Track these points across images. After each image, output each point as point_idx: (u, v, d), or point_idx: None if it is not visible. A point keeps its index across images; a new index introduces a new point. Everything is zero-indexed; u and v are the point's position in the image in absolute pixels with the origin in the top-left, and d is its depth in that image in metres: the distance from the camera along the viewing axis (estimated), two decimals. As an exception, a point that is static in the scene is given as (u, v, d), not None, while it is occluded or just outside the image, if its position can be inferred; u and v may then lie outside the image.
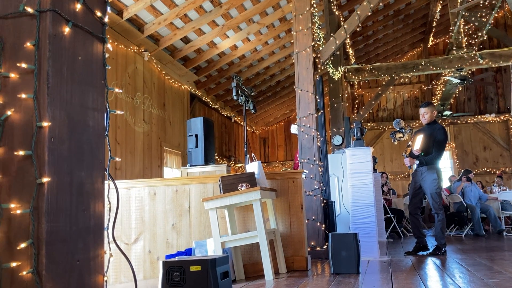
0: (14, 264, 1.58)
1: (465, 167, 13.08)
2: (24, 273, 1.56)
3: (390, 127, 14.00)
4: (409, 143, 5.73)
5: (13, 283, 1.58)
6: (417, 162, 5.41)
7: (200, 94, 10.42)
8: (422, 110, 5.53)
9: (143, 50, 7.93)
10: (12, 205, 1.61)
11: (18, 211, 1.60)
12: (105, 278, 1.89)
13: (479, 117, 13.69)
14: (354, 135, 5.71)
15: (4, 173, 1.64)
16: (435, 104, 12.60)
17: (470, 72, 11.92)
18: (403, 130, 5.66)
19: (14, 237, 1.60)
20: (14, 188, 1.63)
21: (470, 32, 10.61)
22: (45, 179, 1.61)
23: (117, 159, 2.16)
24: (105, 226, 1.94)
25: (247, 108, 5.77)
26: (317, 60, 6.22)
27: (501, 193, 9.03)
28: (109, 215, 2.06)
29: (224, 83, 10.90)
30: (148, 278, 4.26)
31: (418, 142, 5.40)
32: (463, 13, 9.55)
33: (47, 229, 1.59)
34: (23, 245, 1.57)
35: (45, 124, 1.63)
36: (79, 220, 1.74)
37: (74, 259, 1.70)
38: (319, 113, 6.16)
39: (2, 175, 1.64)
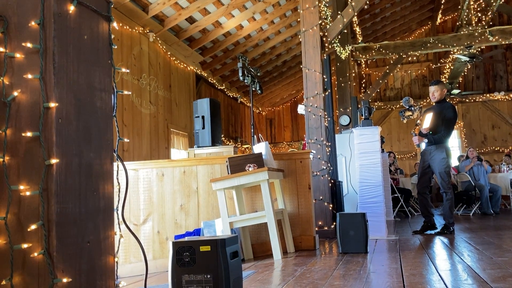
0: (25, 246, 1.58)
1: (473, 146, 13.02)
2: (35, 254, 1.57)
3: (398, 106, 13.89)
4: (418, 121, 5.67)
5: (25, 264, 1.58)
6: (426, 140, 5.37)
7: (205, 75, 10.35)
8: (432, 88, 5.46)
9: (148, 31, 7.85)
10: (22, 187, 1.60)
11: (28, 193, 1.59)
12: (116, 259, 1.89)
13: (488, 95, 13.54)
14: (362, 115, 5.67)
15: (12, 154, 1.63)
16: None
17: (479, 49, 11.73)
18: (412, 108, 5.60)
19: (25, 218, 1.60)
20: (23, 170, 1.62)
21: (480, 8, 10.39)
22: (54, 161, 1.60)
23: (126, 140, 2.15)
24: (115, 207, 1.94)
25: (253, 89, 5.72)
26: (324, 39, 6.13)
27: (510, 171, 8.99)
28: (119, 196, 2.06)
29: (230, 63, 10.81)
30: (157, 258, 4.29)
31: (427, 121, 5.35)
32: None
33: (57, 211, 1.59)
34: (33, 227, 1.57)
35: (52, 104, 1.62)
36: (88, 201, 1.74)
37: (85, 241, 1.70)
38: (326, 93, 6.10)
39: (10, 157, 1.63)
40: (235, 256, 2.44)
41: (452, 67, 12.45)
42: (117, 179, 2.04)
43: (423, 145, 5.51)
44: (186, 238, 2.50)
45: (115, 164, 1.98)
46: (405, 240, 4.89)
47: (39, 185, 1.59)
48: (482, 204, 8.31)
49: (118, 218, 2.00)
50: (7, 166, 1.62)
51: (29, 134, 1.62)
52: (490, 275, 2.75)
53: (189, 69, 9.68)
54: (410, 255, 3.74)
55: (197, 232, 4.14)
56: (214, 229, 4.04)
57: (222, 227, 3.89)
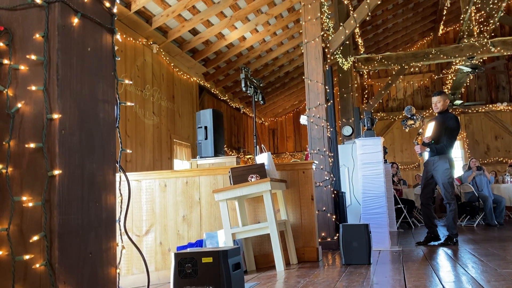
0: (27, 257, 1.58)
1: (476, 157, 12.97)
2: (37, 265, 1.56)
3: (400, 117, 13.88)
4: (420, 130, 5.67)
5: (26, 276, 1.58)
6: (428, 149, 5.36)
7: (208, 86, 10.40)
8: (435, 99, 5.47)
9: (151, 43, 7.91)
10: (24, 198, 1.61)
11: (30, 204, 1.60)
12: (118, 270, 1.89)
13: (491, 106, 13.53)
14: (365, 125, 5.67)
15: (15, 165, 1.64)
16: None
17: (481, 60, 11.76)
18: (415, 117, 5.60)
19: (27, 229, 1.60)
20: (26, 181, 1.63)
21: (482, 19, 10.44)
22: (56, 172, 1.60)
23: (128, 151, 2.16)
24: (117, 218, 1.94)
25: (256, 100, 5.74)
26: (326, 50, 6.15)
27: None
28: (121, 207, 2.06)
29: (233, 74, 10.86)
30: (159, 270, 4.27)
31: (429, 130, 5.35)
32: (475, 0, 9.39)
33: (59, 222, 1.59)
34: (35, 238, 1.57)
35: (56, 116, 1.63)
36: (91, 212, 1.74)
37: (87, 252, 1.70)
38: (329, 104, 6.11)
39: (13, 168, 1.64)
40: (238, 268, 2.43)
41: (454, 78, 12.47)
42: (120, 190, 2.04)
43: (425, 155, 5.50)
44: (188, 250, 2.49)
45: (117, 175, 1.98)
46: (409, 251, 4.86)
47: (41, 196, 1.59)
48: (486, 215, 8.25)
49: (120, 229, 2.00)
50: (10, 177, 1.63)
51: (32, 145, 1.62)
52: (495, 287, 2.73)
53: (192, 80, 9.73)
54: (414, 267, 3.71)
55: (200, 243, 4.13)
56: (216, 240, 4.03)
57: (224, 238, 3.88)
